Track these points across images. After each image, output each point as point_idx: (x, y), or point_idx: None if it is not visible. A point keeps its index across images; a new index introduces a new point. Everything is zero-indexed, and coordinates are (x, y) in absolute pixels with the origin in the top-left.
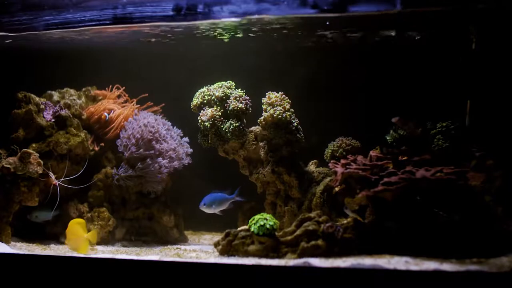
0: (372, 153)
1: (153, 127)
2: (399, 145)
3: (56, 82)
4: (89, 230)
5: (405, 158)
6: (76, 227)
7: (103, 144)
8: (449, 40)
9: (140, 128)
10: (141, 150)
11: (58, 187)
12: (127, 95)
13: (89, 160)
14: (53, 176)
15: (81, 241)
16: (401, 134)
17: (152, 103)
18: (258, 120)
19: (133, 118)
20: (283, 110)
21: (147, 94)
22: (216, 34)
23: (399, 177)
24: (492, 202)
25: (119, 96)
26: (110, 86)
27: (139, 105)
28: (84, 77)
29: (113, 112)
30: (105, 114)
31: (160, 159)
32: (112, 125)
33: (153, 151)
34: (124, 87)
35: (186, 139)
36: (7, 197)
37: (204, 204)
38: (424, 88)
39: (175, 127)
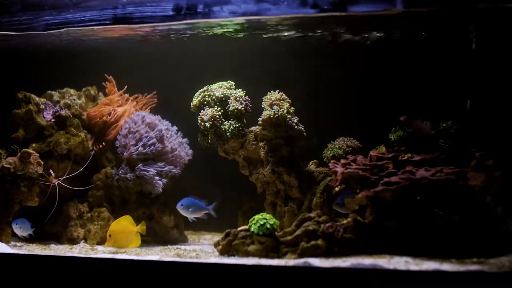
0: (372, 153)
1: (153, 126)
2: (403, 144)
3: (56, 82)
4: (89, 231)
5: (405, 158)
6: (123, 223)
7: (104, 144)
8: (449, 40)
9: (141, 128)
10: (141, 151)
11: (57, 187)
12: (125, 95)
13: (87, 159)
14: (53, 174)
15: (132, 236)
16: (408, 133)
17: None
18: (259, 119)
19: (130, 119)
20: (282, 110)
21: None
22: (216, 33)
23: (399, 177)
24: (492, 202)
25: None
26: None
27: (135, 103)
28: (84, 77)
29: (113, 112)
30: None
31: (160, 159)
32: (114, 125)
33: (153, 151)
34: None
35: (186, 140)
36: (7, 197)
37: (182, 205)
38: (425, 88)
39: (174, 126)
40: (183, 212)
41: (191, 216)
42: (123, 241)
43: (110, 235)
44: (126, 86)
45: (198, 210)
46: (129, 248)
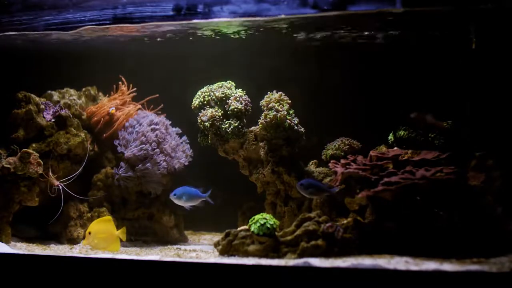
0: (372, 153)
1: (155, 127)
2: (407, 143)
3: (56, 82)
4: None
5: (405, 158)
6: (105, 225)
7: (105, 135)
8: (449, 40)
9: (141, 128)
10: (142, 151)
11: (61, 189)
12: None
13: (88, 160)
14: (54, 178)
15: (112, 239)
16: (422, 129)
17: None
18: (259, 121)
19: (133, 118)
20: (282, 111)
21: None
22: (216, 33)
23: (399, 177)
24: (492, 202)
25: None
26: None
27: (137, 104)
28: (84, 77)
29: (113, 110)
30: (112, 108)
31: (160, 159)
32: (113, 124)
33: (153, 152)
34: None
35: (185, 137)
36: (7, 197)
37: (175, 195)
38: (425, 88)
39: (175, 128)
40: (177, 202)
41: (186, 204)
42: (102, 242)
43: (89, 233)
44: (124, 85)
45: (193, 198)
46: (107, 251)
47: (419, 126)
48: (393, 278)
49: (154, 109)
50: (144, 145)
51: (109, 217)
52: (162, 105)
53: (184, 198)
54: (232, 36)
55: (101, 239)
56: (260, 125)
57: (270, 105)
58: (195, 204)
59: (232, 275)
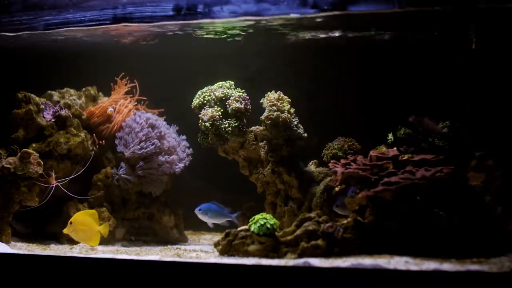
0: (372, 153)
1: (154, 126)
2: (408, 143)
3: (56, 82)
4: None
5: (405, 158)
6: (87, 218)
7: (103, 142)
8: (449, 40)
9: (141, 127)
10: (142, 149)
11: (54, 188)
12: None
13: (88, 159)
14: (53, 176)
15: (92, 233)
16: (418, 132)
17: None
18: (261, 118)
19: (131, 118)
20: (282, 110)
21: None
22: (216, 33)
23: (399, 177)
24: (492, 202)
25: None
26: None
27: (138, 104)
28: (84, 77)
29: (111, 111)
30: (111, 109)
31: (161, 159)
32: (112, 123)
33: (153, 151)
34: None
35: (184, 137)
36: (7, 197)
37: (200, 210)
38: (425, 88)
39: (173, 126)
40: (201, 217)
41: (209, 221)
42: (81, 234)
43: (71, 223)
44: (124, 83)
45: (218, 216)
46: (87, 244)
47: (418, 130)
48: (393, 278)
49: (155, 108)
50: (144, 144)
51: (94, 211)
52: (162, 109)
53: (209, 215)
54: (227, 34)
55: (81, 231)
56: (263, 121)
57: (271, 105)
58: (219, 223)
59: (232, 275)
